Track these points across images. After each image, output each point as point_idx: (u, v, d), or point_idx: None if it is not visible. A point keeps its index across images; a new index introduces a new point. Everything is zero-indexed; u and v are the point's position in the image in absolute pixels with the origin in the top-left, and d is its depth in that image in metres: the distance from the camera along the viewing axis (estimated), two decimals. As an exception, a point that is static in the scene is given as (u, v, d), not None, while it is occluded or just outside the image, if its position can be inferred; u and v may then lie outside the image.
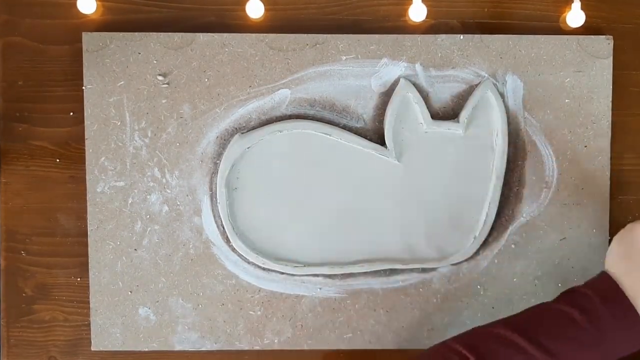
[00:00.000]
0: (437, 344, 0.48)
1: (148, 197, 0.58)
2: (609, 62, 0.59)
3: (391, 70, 0.58)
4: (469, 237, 0.59)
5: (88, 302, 0.59)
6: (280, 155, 0.58)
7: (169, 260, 0.59)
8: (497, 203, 0.58)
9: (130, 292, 0.59)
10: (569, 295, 0.49)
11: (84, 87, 0.58)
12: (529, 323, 0.47)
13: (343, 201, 0.58)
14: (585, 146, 0.59)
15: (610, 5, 0.60)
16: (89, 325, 0.59)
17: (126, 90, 0.58)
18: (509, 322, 0.48)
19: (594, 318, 0.46)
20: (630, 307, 0.46)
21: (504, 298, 0.59)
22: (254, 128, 0.58)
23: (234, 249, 0.59)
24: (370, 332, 0.59)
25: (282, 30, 0.58)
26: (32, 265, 0.59)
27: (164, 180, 0.58)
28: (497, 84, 0.58)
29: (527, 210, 0.59)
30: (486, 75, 0.58)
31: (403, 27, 0.59)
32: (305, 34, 0.58)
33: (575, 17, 0.58)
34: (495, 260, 0.59)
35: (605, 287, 0.48)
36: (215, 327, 0.59)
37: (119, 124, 0.58)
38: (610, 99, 0.59)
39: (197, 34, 0.57)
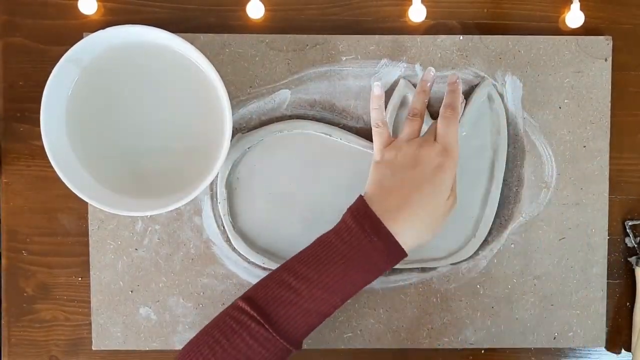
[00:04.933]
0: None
1: (149, 197, 0.58)
2: (608, 63, 0.59)
3: (391, 70, 0.58)
4: (469, 237, 0.59)
5: (89, 302, 0.59)
6: (280, 156, 0.58)
7: (169, 259, 0.59)
8: (496, 203, 0.58)
9: (131, 291, 0.59)
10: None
11: (84, 88, 0.58)
12: (297, 257, 0.50)
13: (343, 201, 0.58)
14: (584, 146, 0.59)
15: (609, 6, 0.60)
16: (89, 324, 0.59)
17: (127, 90, 0.58)
18: (286, 262, 0.50)
19: (347, 235, 0.48)
20: (378, 220, 0.48)
21: (504, 298, 0.60)
22: (254, 128, 0.58)
23: (234, 249, 0.59)
24: (370, 332, 0.59)
25: (282, 31, 0.59)
26: (33, 264, 0.60)
27: (164, 180, 0.58)
28: (497, 84, 0.59)
29: (526, 210, 0.59)
30: (485, 75, 0.59)
31: (403, 28, 0.60)
32: (306, 35, 0.58)
33: (574, 17, 0.58)
34: (495, 260, 0.59)
35: (357, 206, 0.50)
36: (215, 327, 0.59)
37: (119, 124, 0.58)
38: (609, 100, 0.59)
39: (198, 34, 0.58)
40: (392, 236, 0.47)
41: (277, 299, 0.48)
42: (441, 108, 0.53)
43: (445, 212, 0.50)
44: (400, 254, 0.48)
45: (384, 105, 0.55)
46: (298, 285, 0.47)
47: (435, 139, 0.51)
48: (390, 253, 0.48)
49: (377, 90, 0.55)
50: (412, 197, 0.48)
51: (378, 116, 0.54)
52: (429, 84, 0.54)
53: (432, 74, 0.55)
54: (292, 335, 0.48)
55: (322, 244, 0.49)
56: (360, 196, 0.51)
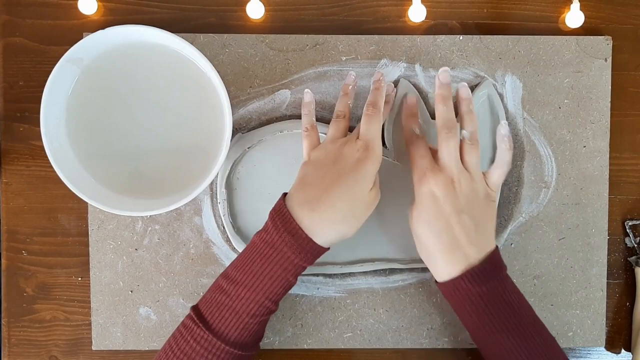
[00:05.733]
0: None
1: (149, 197, 0.58)
2: (608, 63, 0.59)
3: (391, 70, 0.58)
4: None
5: (89, 302, 0.59)
6: (280, 156, 0.58)
7: (169, 259, 0.59)
8: (496, 203, 0.58)
9: (131, 291, 0.59)
10: None
11: (84, 88, 0.58)
12: (231, 263, 0.51)
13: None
14: (584, 146, 0.59)
15: (609, 6, 0.60)
16: (89, 324, 0.59)
17: (127, 90, 0.58)
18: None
19: (264, 234, 0.50)
20: (290, 218, 0.49)
21: (503, 297, 0.60)
22: (254, 128, 0.58)
23: (234, 249, 0.59)
24: (369, 332, 0.60)
25: (282, 31, 0.59)
26: (33, 265, 0.60)
27: (164, 180, 0.58)
28: (497, 84, 0.59)
29: (526, 210, 0.59)
30: (485, 75, 0.59)
31: (402, 28, 0.60)
32: (305, 35, 0.58)
33: (574, 17, 0.59)
34: (495, 260, 0.59)
35: (276, 205, 0.51)
36: (215, 327, 0.59)
37: (119, 124, 0.58)
38: (609, 100, 0.59)
39: (198, 34, 0.58)
40: (303, 232, 0.48)
41: (213, 303, 0.50)
42: (364, 106, 0.53)
43: (367, 205, 0.51)
44: (315, 248, 0.49)
45: (314, 111, 0.55)
46: (228, 287, 0.50)
47: (358, 137, 0.51)
48: (302, 248, 0.49)
49: (308, 97, 0.55)
50: (331, 188, 0.49)
51: (308, 121, 0.55)
52: (350, 86, 0.55)
53: (353, 77, 0.55)
54: (228, 337, 0.49)
55: (249, 246, 0.51)
56: (283, 194, 0.52)
